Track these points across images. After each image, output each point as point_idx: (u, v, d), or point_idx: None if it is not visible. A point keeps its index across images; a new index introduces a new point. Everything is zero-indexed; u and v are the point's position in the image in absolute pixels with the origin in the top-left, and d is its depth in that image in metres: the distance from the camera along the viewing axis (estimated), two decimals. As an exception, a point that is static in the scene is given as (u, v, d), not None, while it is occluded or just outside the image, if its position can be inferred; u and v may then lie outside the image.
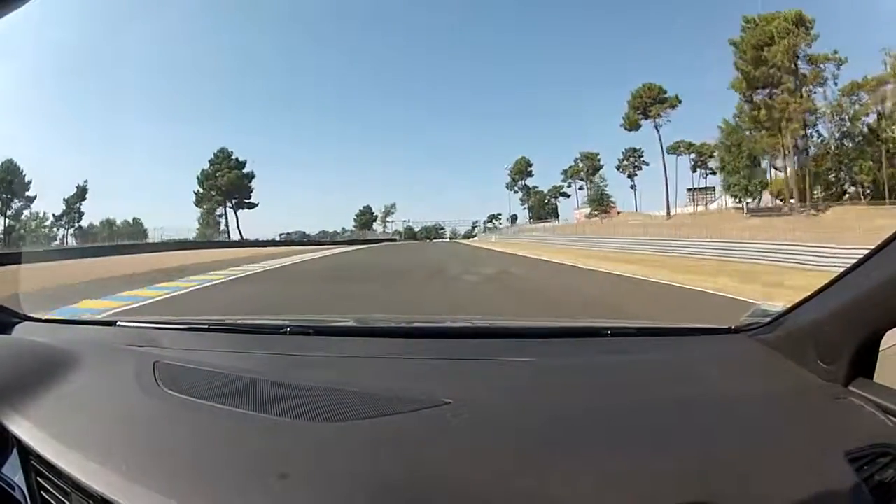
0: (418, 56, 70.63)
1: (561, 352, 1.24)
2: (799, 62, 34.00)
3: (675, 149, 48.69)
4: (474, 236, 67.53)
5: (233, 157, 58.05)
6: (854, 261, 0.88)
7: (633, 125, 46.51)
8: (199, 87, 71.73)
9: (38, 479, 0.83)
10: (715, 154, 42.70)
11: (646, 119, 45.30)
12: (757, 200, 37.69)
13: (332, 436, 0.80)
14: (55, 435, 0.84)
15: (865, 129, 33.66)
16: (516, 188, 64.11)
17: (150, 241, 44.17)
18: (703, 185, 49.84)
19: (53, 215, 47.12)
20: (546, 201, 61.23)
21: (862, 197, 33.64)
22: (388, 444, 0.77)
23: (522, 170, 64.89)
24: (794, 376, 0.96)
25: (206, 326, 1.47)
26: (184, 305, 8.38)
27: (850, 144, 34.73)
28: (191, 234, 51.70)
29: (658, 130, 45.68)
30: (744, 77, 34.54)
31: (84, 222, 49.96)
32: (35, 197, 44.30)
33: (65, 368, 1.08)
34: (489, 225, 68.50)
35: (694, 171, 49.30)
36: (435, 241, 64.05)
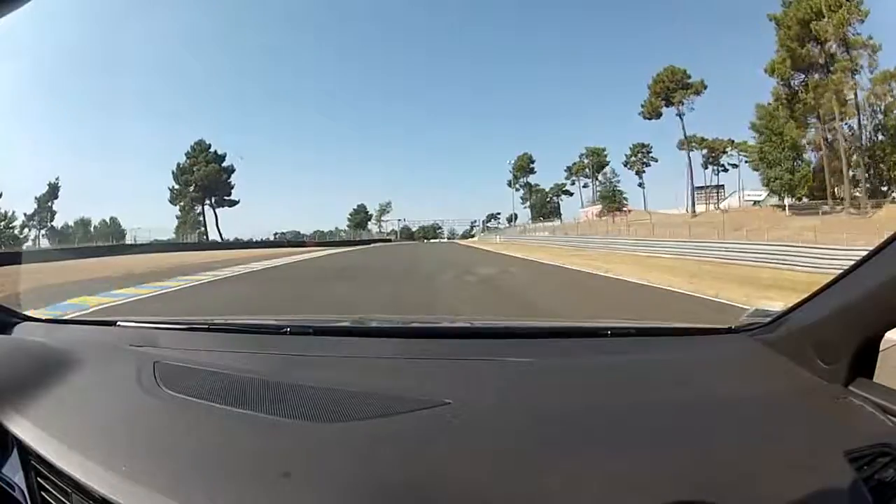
0: (417, 54, 71.29)
1: (561, 352, 1.23)
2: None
3: (684, 144, 44.62)
4: (473, 236, 64.80)
5: (211, 149, 53.13)
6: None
7: (653, 113, 42.10)
8: (192, 85, 70.93)
9: (38, 479, 0.83)
10: (728, 150, 38.66)
11: (668, 106, 40.83)
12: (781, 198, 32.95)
13: (332, 436, 0.80)
14: (55, 435, 0.84)
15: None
16: (518, 185, 61.24)
17: (126, 242, 42.16)
18: (715, 183, 45.62)
19: (25, 214, 44.64)
20: (548, 199, 59.23)
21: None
22: (389, 445, 0.77)
23: (524, 166, 62.30)
24: (794, 376, 0.95)
25: (207, 326, 1.45)
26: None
27: (884, 138, 30.47)
28: (169, 235, 47.87)
29: (682, 119, 41.25)
30: (788, 55, 29.98)
31: (58, 222, 46.94)
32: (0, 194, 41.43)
33: (65, 368, 1.08)
34: (488, 225, 65.94)
35: (705, 167, 45.23)
36: (432, 241, 61.55)
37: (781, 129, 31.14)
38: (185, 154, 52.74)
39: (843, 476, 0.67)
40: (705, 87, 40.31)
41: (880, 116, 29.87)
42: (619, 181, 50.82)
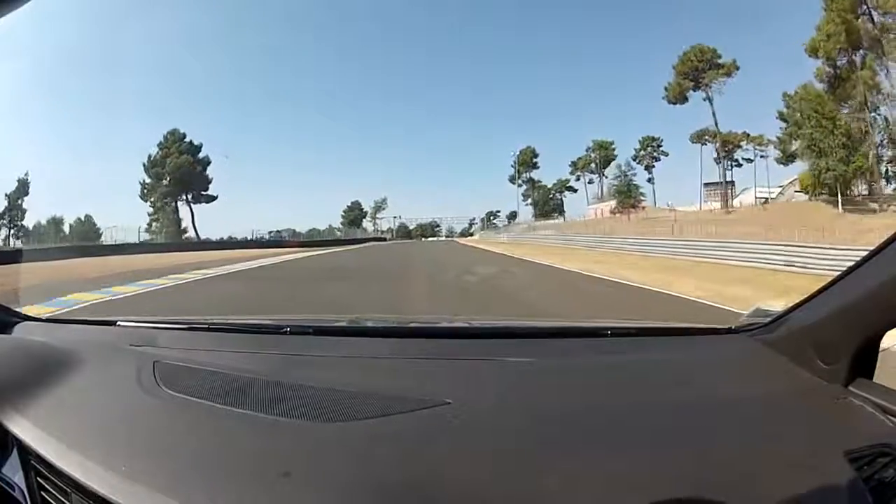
0: (417, 54, 70.14)
1: (561, 352, 1.22)
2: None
3: (699, 137, 40.91)
4: (472, 234, 60.79)
5: (186, 139, 48.05)
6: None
7: (677, 97, 37.82)
8: (192, 85, 68.74)
9: (38, 479, 0.83)
10: (743, 144, 34.69)
11: (695, 89, 36.76)
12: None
13: (332, 436, 0.80)
14: (55, 435, 0.84)
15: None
16: (520, 181, 57.56)
17: (103, 242, 39.21)
18: (727, 179, 41.93)
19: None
20: (550, 196, 55.36)
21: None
22: (389, 444, 0.77)
23: (528, 161, 58.47)
24: (794, 376, 0.95)
25: (207, 326, 1.44)
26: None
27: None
28: (142, 235, 43.11)
29: (711, 103, 37.20)
30: (844, 27, 26.04)
31: (29, 221, 42.91)
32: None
33: (65, 368, 1.08)
34: (489, 222, 62.20)
35: (718, 162, 41.52)
36: (430, 239, 57.69)
37: (834, 113, 27.17)
38: (158, 145, 47.64)
39: (843, 476, 0.67)
40: (737, 68, 36.31)
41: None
42: (635, 173, 46.93)
